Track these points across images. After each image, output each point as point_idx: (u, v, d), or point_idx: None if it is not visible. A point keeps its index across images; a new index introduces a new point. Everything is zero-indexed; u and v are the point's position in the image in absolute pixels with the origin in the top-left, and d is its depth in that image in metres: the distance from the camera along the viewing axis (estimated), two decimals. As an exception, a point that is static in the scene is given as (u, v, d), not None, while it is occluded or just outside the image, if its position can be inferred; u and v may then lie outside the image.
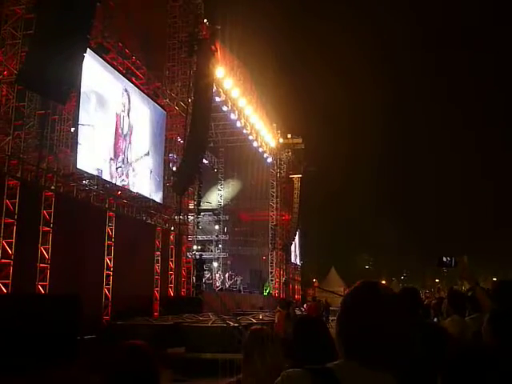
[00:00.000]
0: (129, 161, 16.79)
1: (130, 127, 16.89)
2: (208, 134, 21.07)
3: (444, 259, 3.81)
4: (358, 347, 1.48)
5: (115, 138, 15.98)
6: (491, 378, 1.37)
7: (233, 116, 24.21)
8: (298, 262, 41.95)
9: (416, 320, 3.78)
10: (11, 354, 8.66)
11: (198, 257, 23.75)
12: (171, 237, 19.91)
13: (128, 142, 16.78)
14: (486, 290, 4.32)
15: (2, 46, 12.33)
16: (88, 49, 12.02)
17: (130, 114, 16.88)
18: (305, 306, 25.80)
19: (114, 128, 15.95)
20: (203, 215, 28.68)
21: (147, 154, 18.05)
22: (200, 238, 29.87)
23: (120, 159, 16.23)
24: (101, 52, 15.10)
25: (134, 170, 17.04)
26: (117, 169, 15.97)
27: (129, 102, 16.89)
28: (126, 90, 16.77)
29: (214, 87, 20.24)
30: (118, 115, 16.22)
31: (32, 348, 9.44)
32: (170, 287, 19.48)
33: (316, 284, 39.25)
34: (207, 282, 27.08)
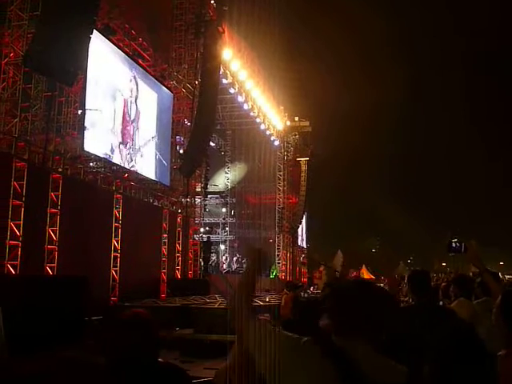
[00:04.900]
0: (137, 146, 16.78)
1: (138, 112, 16.84)
2: (215, 116, 20.98)
3: (453, 245, 3.78)
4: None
5: (123, 124, 15.95)
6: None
7: (240, 98, 24.07)
8: (305, 245, 42.00)
9: (425, 302, 3.78)
10: (20, 334, 8.72)
11: (205, 239, 23.85)
12: (178, 219, 19.95)
13: (136, 127, 16.76)
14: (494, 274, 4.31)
15: (9, 28, 12.27)
16: (95, 31, 11.93)
17: (137, 100, 16.83)
18: (314, 286, 25.86)
19: (121, 113, 15.90)
20: (210, 198, 28.70)
21: (154, 137, 18.03)
22: (207, 220, 29.91)
23: (129, 145, 16.23)
24: (107, 33, 15.00)
25: (142, 156, 17.04)
26: (125, 156, 15.97)
27: (137, 88, 16.82)
28: (134, 76, 16.69)
29: (221, 69, 20.09)
30: (125, 100, 16.17)
31: (40, 329, 9.51)
32: (177, 269, 19.57)
33: (322, 268, 39.21)
34: (214, 264, 27.19)
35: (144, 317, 2.40)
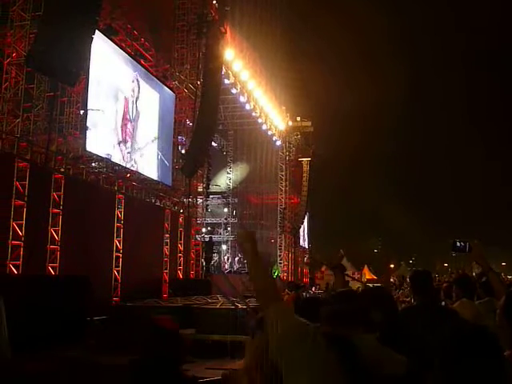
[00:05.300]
0: (137, 146, 16.76)
1: (138, 112, 16.81)
2: (217, 116, 20.96)
3: (458, 244, 3.76)
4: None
5: (123, 121, 15.93)
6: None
7: (242, 99, 24.06)
8: (307, 246, 41.98)
9: (427, 302, 3.77)
10: (22, 334, 8.73)
11: (207, 239, 23.84)
12: (180, 219, 19.94)
13: (136, 127, 16.73)
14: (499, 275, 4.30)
15: (11, 28, 12.28)
16: (97, 31, 11.93)
17: (138, 100, 16.80)
18: (313, 289, 25.85)
19: (122, 113, 15.88)
20: (212, 198, 28.69)
21: (155, 138, 18.01)
22: (209, 220, 29.89)
23: (128, 145, 16.20)
24: (109, 34, 15.00)
25: (141, 156, 17.01)
26: (124, 156, 15.94)
27: (138, 89, 16.80)
28: (137, 78, 16.67)
29: (223, 69, 20.08)
30: (126, 99, 16.15)
31: (42, 328, 9.53)
32: (179, 269, 19.56)
33: (323, 269, 39.17)
34: (215, 264, 27.18)
35: (174, 327, 2.44)
